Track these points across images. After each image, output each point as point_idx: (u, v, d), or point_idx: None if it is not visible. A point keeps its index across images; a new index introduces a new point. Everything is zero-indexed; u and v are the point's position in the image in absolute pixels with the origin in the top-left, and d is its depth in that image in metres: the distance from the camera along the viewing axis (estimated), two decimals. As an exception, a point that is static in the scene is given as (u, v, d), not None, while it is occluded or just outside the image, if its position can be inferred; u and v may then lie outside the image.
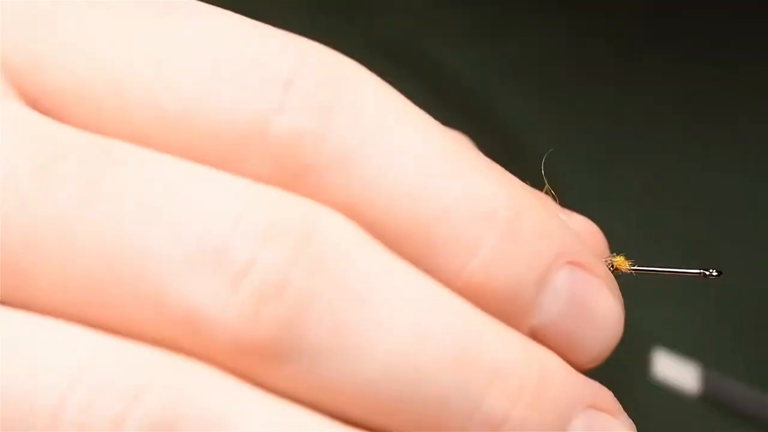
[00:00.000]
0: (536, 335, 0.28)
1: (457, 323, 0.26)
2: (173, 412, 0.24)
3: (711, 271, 0.31)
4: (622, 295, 0.29)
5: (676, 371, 0.52)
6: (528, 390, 0.26)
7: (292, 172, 0.26)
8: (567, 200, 0.31)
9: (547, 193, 0.30)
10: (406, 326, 0.25)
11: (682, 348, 0.54)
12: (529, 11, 0.61)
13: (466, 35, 0.60)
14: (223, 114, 0.26)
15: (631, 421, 0.28)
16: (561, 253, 0.28)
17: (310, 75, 0.26)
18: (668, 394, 0.53)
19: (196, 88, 0.26)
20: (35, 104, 0.26)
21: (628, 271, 0.31)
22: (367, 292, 0.25)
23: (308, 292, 0.25)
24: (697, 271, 0.31)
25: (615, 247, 0.32)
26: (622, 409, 0.28)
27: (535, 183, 0.30)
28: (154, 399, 0.24)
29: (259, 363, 0.25)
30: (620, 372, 0.30)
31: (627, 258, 0.31)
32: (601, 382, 0.28)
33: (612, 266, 0.31)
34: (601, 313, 0.28)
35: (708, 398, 0.51)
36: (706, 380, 0.51)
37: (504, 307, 0.27)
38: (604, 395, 0.28)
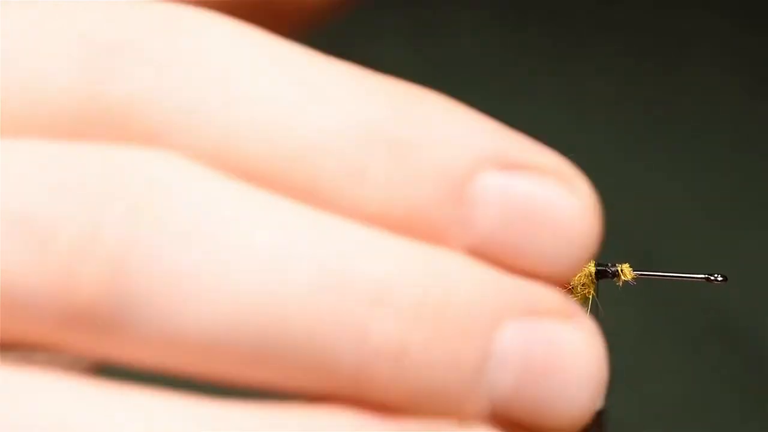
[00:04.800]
0: (477, 255, 0.23)
1: (319, 241, 0.22)
2: None
3: (716, 276, 0.31)
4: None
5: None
6: (428, 306, 0.22)
7: (143, 139, 0.23)
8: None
9: None
10: (253, 256, 0.22)
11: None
12: (469, 4, 0.61)
13: (399, 33, 0.60)
14: (57, 91, 0.23)
15: (590, 322, 0.24)
16: (482, 155, 0.23)
17: (138, 30, 0.23)
18: None
19: (23, 70, 0.23)
20: None
21: (633, 278, 0.31)
22: (197, 226, 0.22)
23: (125, 238, 0.22)
24: (702, 276, 0.31)
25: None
26: (575, 309, 0.24)
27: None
28: None
29: (92, 333, 0.22)
30: None
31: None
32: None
33: (617, 274, 0.31)
34: (562, 212, 0.24)
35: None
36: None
37: (424, 234, 0.23)
38: (546, 296, 0.23)
